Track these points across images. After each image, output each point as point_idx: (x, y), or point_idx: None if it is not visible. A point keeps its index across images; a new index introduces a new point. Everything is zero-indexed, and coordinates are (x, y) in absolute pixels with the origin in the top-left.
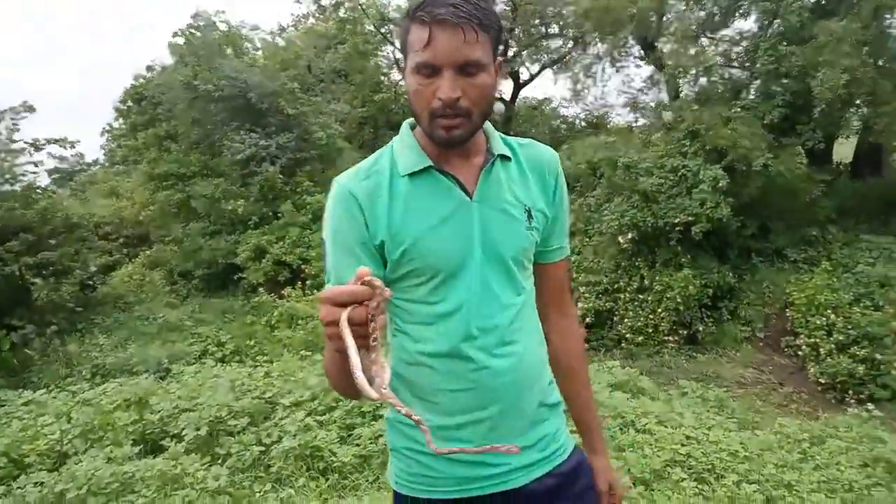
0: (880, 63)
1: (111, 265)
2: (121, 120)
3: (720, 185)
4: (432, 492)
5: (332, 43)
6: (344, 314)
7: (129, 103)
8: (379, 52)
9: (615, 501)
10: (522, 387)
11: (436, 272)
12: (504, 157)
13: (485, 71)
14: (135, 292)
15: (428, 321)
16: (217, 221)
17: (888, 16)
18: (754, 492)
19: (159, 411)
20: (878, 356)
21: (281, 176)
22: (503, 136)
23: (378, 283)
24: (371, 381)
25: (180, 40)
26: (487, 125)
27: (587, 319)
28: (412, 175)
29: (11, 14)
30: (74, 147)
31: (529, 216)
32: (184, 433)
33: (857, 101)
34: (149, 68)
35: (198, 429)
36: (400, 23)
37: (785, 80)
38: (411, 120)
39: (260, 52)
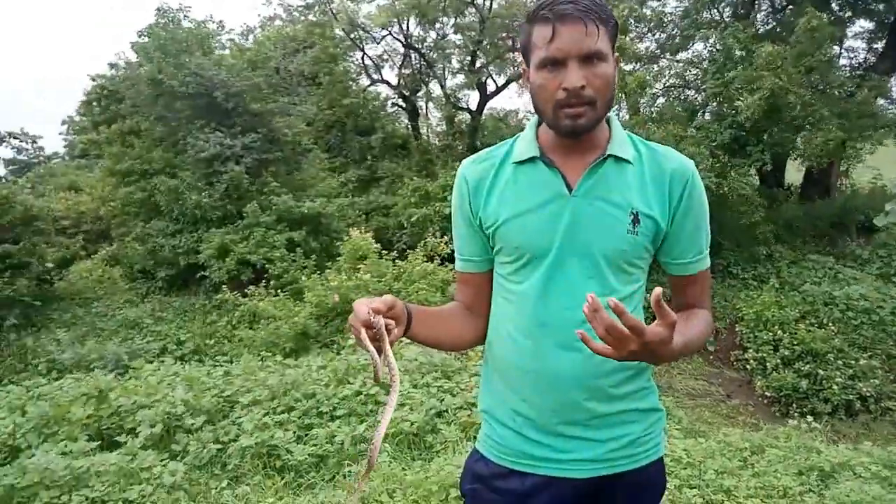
0: (824, 90)
1: (68, 259)
2: (83, 115)
3: None
4: (494, 455)
5: (300, 46)
6: (363, 331)
7: (93, 103)
8: (348, 58)
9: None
10: (584, 387)
11: (520, 255)
12: (620, 159)
13: (606, 61)
14: (93, 289)
15: (511, 298)
16: (180, 219)
17: (836, 46)
18: (694, 496)
19: (118, 407)
20: (820, 371)
21: (247, 176)
22: (635, 137)
23: (375, 318)
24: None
25: (145, 39)
26: (617, 126)
27: None
28: (520, 163)
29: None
30: (36, 142)
31: (635, 220)
32: (140, 429)
33: (808, 126)
34: (111, 65)
35: (153, 426)
36: (518, 30)
37: (736, 102)
38: (537, 117)
39: (228, 52)
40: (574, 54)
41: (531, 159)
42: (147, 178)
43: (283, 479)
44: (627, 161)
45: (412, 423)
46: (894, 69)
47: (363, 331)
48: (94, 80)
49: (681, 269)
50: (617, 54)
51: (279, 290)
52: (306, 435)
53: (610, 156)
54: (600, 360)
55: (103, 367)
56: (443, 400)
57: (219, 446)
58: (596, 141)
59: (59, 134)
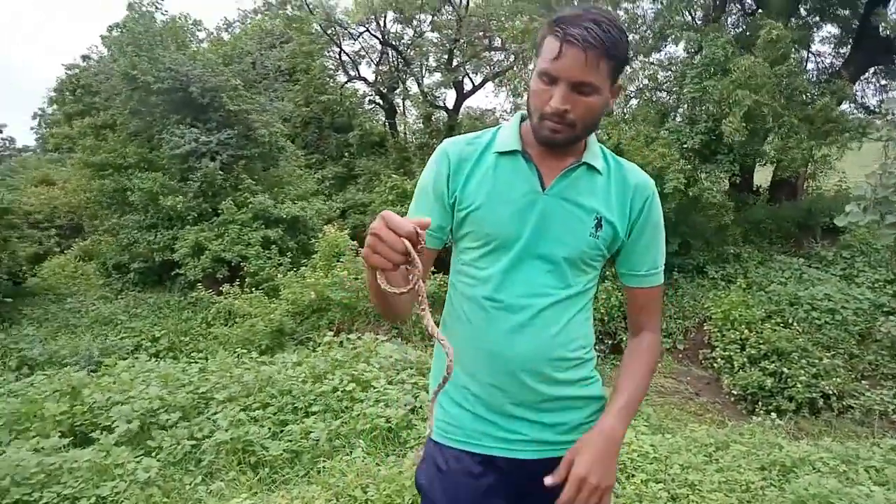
0: (790, 94)
1: (41, 255)
2: (55, 107)
3: None
4: (447, 438)
5: (276, 41)
6: (406, 242)
7: (66, 92)
8: (326, 54)
9: (570, 482)
10: (531, 370)
11: (487, 242)
12: (592, 168)
13: (597, 93)
14: (66, 284)
15: (471, 283)
16: (155, 215)
17: (804, 51)
18: (660, 490)
19: (91, 404)
20: (785, 370)
21: (221, 173)
22: (606, 151)
23: (422, 234)
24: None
25: (116, 32)
26: (593, 138)
27: None
28: (502, 153)
29: None
30: (1, 131)
31: (598, 225)
32: (115, 425)
33: (778, 136)
34: (84, 58)
35: (129, 421)
36: (540, 27)
37: (709, 108)
38: (524, 112)
39: (205, 45)
40: (566, 78)
41: (513, 152)
42: (121, 173)
43: (257, 474)
44: (598, 171)
45: (388, 420)
46: (859, 74)
47: (407, 242)
48: (68, 70)
49: (635, 281)
50: (619, 83)
51: (255, 288)
52: (281, 431)
53: (584, 163)
54: (548, 345)
55: (76, 363)
56: (417, 396)
57: (193, 442)
58: (572, 148)
59: (31, 128)
